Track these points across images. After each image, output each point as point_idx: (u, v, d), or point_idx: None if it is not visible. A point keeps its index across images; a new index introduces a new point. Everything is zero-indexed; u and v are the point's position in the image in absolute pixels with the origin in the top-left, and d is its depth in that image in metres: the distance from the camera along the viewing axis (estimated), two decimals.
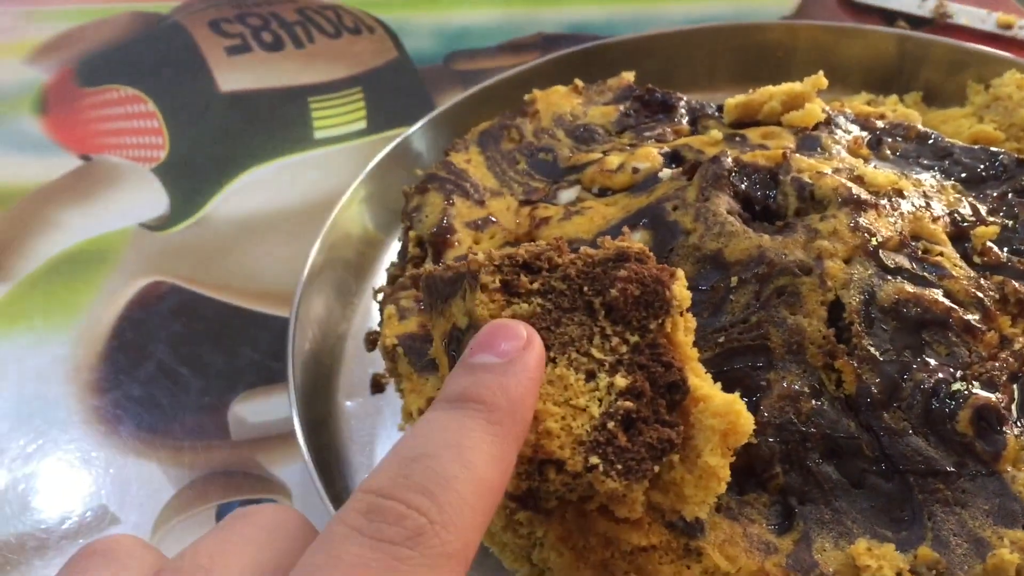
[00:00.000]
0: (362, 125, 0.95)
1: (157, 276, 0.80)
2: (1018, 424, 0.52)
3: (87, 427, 0.70)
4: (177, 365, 0.73)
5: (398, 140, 0.80)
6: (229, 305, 0.78)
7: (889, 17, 1.00)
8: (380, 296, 0.63)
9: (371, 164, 0.78)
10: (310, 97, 0.98)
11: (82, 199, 0.89)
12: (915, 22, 0.99)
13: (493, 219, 0.65)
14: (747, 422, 0.46)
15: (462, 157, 0.70)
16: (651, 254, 0.50)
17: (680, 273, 0.50)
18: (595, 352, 0.48)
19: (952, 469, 0.50)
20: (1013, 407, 0.52)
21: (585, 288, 0.49)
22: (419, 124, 0.81)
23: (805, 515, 0.50)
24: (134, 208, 0.87)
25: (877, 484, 0.50)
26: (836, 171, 0.60)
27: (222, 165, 0.91)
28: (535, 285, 0.49)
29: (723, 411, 0.46)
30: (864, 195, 0.58)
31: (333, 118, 0.96)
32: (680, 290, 0.49)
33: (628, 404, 0.46)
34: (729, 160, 0.61)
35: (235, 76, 1.01)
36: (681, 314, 0.50)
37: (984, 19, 0.97)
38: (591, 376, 0.47)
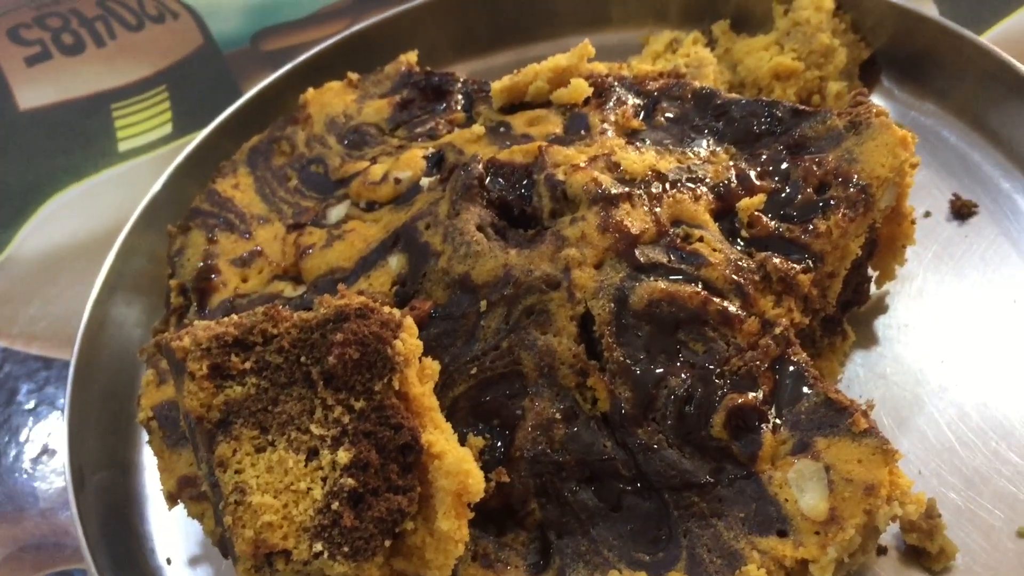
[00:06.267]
0: (168, 130, 0.90)
1: None
2: (780, 417, 0.50)
3: None
4: None
5: (182, 156, 0.76)
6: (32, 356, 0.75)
7: None
8: (144, 356, 0.60)
9: (151, 192, 0.74)
10: (113, 104, 0.93)
11: None
12: None
13: (260, 251, 0.62)
14: (477, 481, 0.45)
15: (229, 183, 0.67)
16: (376, 305, 0.48)
17: (408, 322, 0.48)
18: (315, 428, 0.46)
19: (709, 479, 0.48)
20: (775, 398, 0.51)
21: (302, 358, 0.47)
22: (199, 137, 0.76)
23: (562, 549, 0.48)
24: None
25: (635, 504, 0.49)
26: (592, 160, 0.57)
27: (23, 196, 0.86)
28: (248, 364, 0.47)
29: (454, 470, 0.45)
30: (615, 189, 0.55)
31: (138, 125, 0.91)
32: (407, 342, 0.47)
33: (351, 481, 0.44)
34: (479, 166, 0.58)
35: (35, 90, 0.96)
36: (420, 361, 0.48)
37: None
38: (313, 454, 0.46)
